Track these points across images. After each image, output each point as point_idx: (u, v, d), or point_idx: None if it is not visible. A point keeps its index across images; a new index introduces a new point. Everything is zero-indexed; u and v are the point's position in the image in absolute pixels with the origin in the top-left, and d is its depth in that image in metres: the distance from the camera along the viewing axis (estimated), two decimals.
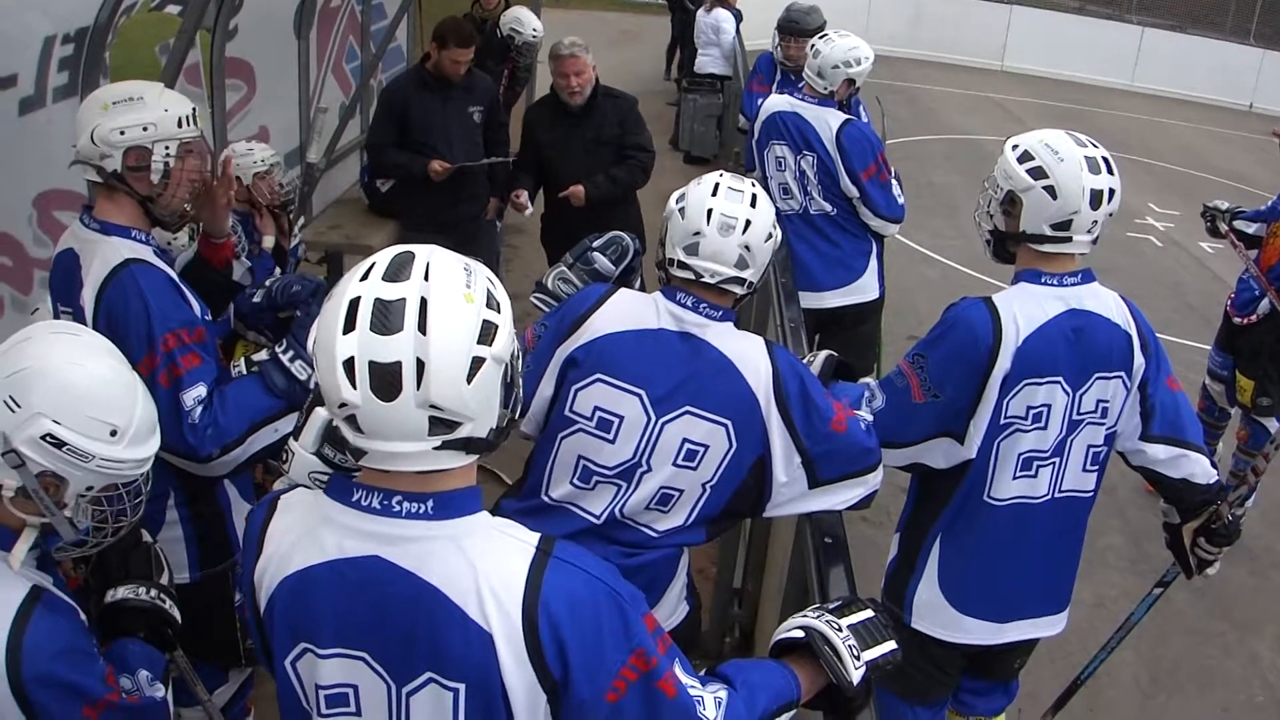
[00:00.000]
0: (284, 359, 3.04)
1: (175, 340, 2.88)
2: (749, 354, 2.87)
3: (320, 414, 2.15)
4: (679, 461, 2.84)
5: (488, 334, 1.73)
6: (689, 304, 2.85)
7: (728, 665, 2.13)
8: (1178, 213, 12.68)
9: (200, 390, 2.91)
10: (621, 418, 2.83)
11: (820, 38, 5.69)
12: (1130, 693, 4.95)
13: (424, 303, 1.69)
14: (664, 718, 1.88)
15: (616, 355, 2.85)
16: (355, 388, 1.68)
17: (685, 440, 2.82)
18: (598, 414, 2.85)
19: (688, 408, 2.82)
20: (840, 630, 2.18)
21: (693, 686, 1.93)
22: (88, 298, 2.88)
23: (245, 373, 3.07)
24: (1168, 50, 21.49)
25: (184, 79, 5.39)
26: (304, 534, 1.84)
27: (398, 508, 1.77)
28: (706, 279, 2.84)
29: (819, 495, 2.93)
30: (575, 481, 2.89)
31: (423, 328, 1.67)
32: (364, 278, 1.74)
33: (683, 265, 2.85)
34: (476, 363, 1.71)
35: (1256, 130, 16.12)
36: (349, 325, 1.69)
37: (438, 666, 1.78)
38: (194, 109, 3.03)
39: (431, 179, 6.13)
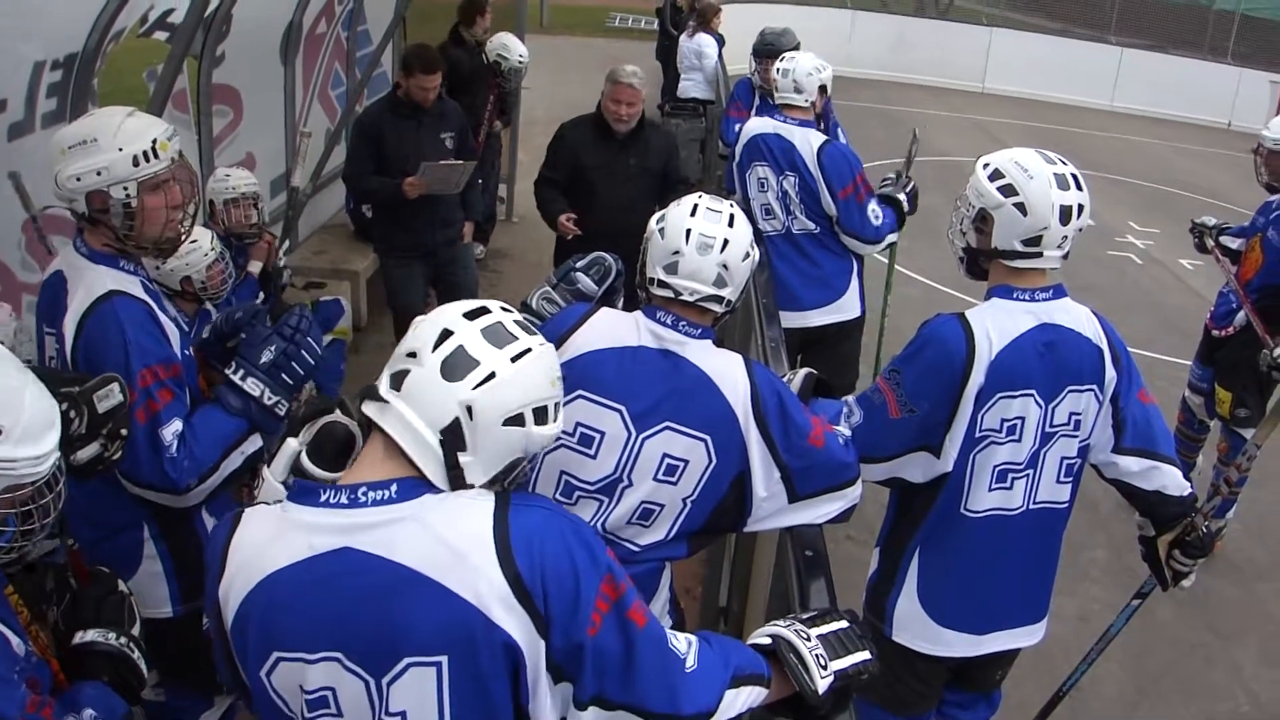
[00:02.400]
0: (235, 379, 3.07)
1: (152, 376, 2.90)
2: (728, 371, 2.91)
3: (290, 445, 2.23)
4: (659, 476, 2.88)
5: (542, 415, 1.94)
6: (668, 322, 2.90)
7: (700, 633, 2.18)
8: (1157, 231, 12.78)
9: (177, 425, 2.93)
10: (603, 433, 2.87)
11: (780, 60, 5.79)
12: (1114, 704, 4.99)
13: (534, 351, 1.94)
14: (640, 649, 1.94)
15: (598, 372, 2.89)
16: (434, 351, 1.86)
17: (665, 455, 2.87)
18: (579, 430, 2.89)
19: (667, 423, 2.86)
20: (809, 639, 2.22)
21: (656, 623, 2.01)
22: (69, 325, 2.88)
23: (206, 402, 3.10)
24: (1147, 70, 21.66)
25: (171, 105, 5.44)
26: (270, 541, 1.88)
27: (363, 498, 1.84)
28: (685, 297, 2.89)
29: (799, 510, 2.96)
30: (558, 497, 2.93)
31: (516, 360, 1.89)
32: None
33: (662, 284, 2.90)
34: (519, 418, 1.89)
35: (1235, 148, 16.23)
36: (474, 315, 1.92)
37: (416, 647, 1.82)
38: (155, 140, 2.96)
39: (407, 201, 6.16)
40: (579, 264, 3.40)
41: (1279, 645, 5.57)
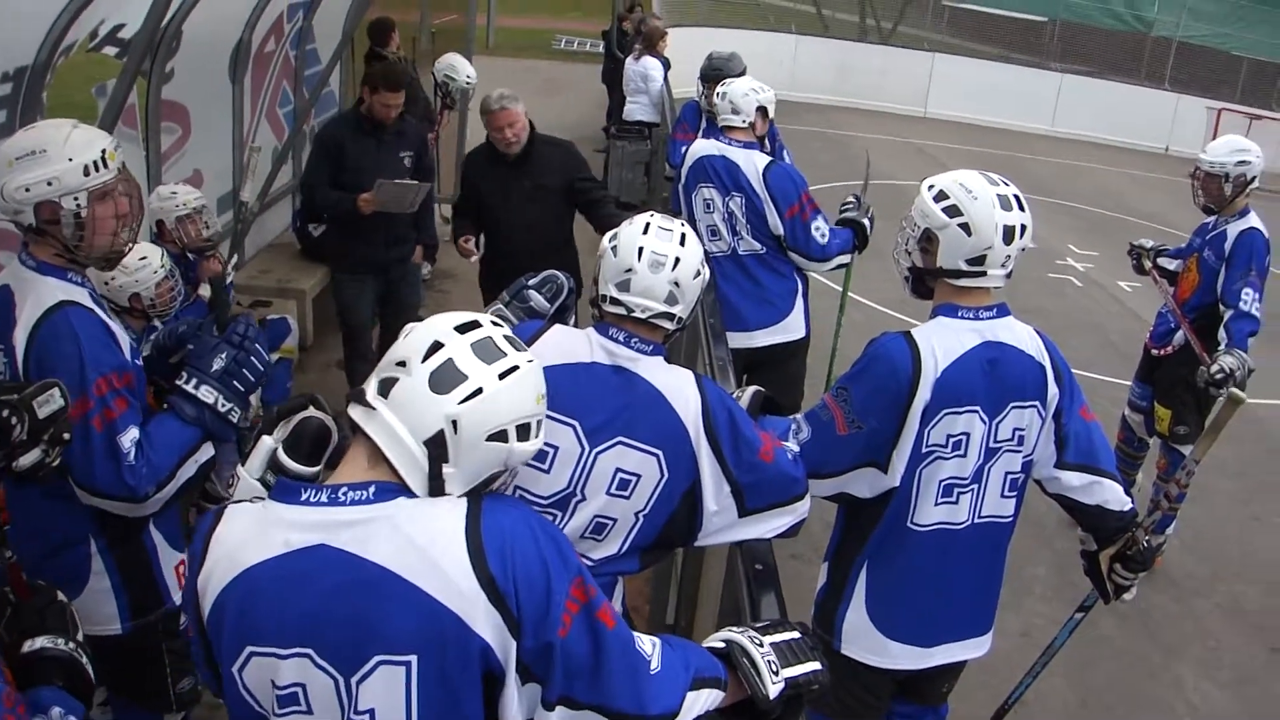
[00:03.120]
0: (189, 388, 3.06)
1: (107, 385, 2.88)
2: (679, 387, 2.95)
3: (266, 442, 2.26)
4: (612, 491, 2.90)
5: (524, 432, 1.99)
6: (621, 339, 2.93)
7: (661, 636, 2.21)
8: (1097, 253, 12.98)
9: (134, 432, 2.92)
10: (556, 448, 2.89)
11: (721, 84, 5.90)
12: (1059, 717, 5.06)
13: (521, 369, 1.99)
14: (608, 650, 1.97)
15: (551, 388, 2.89)
16: (423, 362, 1.89)
17: (618, 470, 2.89)
18: None
19: (620, 438, 2.89)
20: (761, 646, 2.26)
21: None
22: (19, 338, 2.85)
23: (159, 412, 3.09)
24: (1087, 96, 22.03)
25: (120, 121, 5.40)
26: (250, 537, 1.90)
27: (342, 498, 1.87)
28: (638, 314, 2.92)
29: (748, 524, 3.00)
30: None
31: (504, 377, 1.92)
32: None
33: (615, 301, 2.94)
34: (502, 435, 1.94)
35: (1173, 172, 16.51)
36: (466, 328, 1.96)
37: (386, 646, 1.83)
38: (104, 150, 2.96)
39: (361, 217, 6.18)
40: (531, 282, 3.43)
41: (1218, 658, 5.67)
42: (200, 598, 1.93)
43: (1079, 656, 5.22)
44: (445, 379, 1.89)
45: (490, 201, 6.10)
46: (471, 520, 1.88)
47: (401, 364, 1.92)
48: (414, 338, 1.95)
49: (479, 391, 1.90)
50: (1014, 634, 5.29)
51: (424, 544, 1.84)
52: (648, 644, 2.09)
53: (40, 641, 2.49)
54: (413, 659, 1.83)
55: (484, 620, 1.84)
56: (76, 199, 2.90)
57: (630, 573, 3.09)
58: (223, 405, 3.07)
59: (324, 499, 1.87)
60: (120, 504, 2.94)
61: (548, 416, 2.86)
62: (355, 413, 1.95)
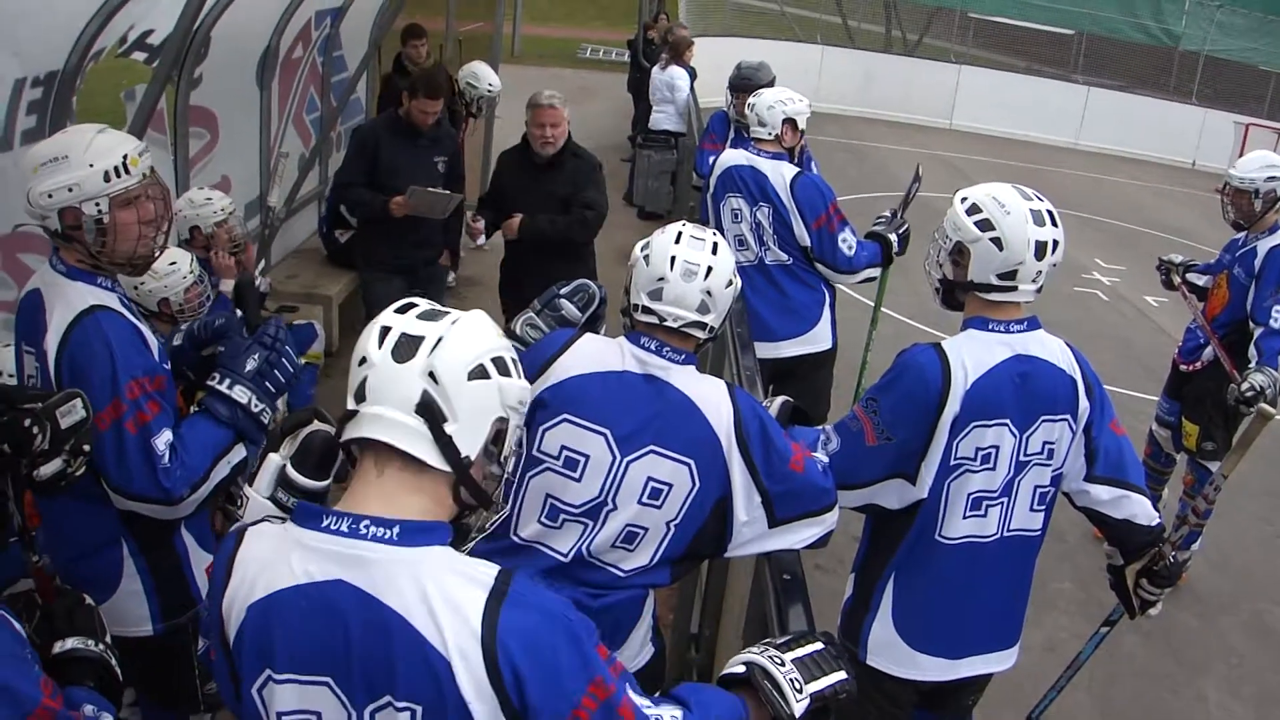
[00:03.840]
0: (223, 388, 3.07)
1: (139, 388, 2.89)
2: (711, 396, 2.95)
3: (273, 460, 2.25)
4: (644, 500, 2.91)
5: (502, 366, 1.96)
6: (652, 348, 2.95)
7: (681, 688, 2.18)
8: (1123, 267, 12.94)
9: (168, 434, 2.93)
10: (587, 456, 2.90)
11: (751, 95, 5.94)
12: None
13: (469, 314, 1.98)
14: None
15: (582, 396, 2.93)
16: (380, 347, 1.88)
17: (650, 479, 2.90)
18: (564, 453, 2.92)
19: (652, 447, 2.89)
20: (783, 664, 2.23)
21: (648, 707, 1.98)
22: (51, 343, 2.87)
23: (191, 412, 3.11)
24: (1113, 110, 22.01)
25: (149, 126, 5.44)
26: (272, 560, 1.88)
27: (364, 531, 1.83)
28: (670, 323, 2.94)
29: (778, 535, 3.00)
30: (543, 520, 2.95)
31: (455, 323, 1.93)
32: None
33: (647, 310, 2.95)
34: (481, 370, 1.91)
35: (1199, 187, 16.51)
36: (405, 309, 1.94)
37: (395, 689, 1.82)
38: (125, 155, 2.97)
39: (391, 217, 6.27)
40: (563, 290, 3.44)
41: (1241, 675, 5.63)
42: (225, 620, 1.92)
43: (1103, 672, 5.20)
44: (405, 348, 1.88)
45: (514, 203, 6.15)
46: (492, 605, 1.82)
47: (363, 361, 1.91)
48: (363, 338, 1.94)
49: (440, 339, 1.89)
50: (1038, 648, 5.27)
51: (442, 606, 1.81)
52: (667, 718, 2.04)
53: (71, 642, 2.51)
54: (418, 709, 1.82)
55: (478, 697, 1.80)
56: (98, 204, 2.91)
57: (661, 585, 3.09)
58: (256, 405, 3.09)
59: (344, 529, 1.85)
60: (155, 506, 2.96)
61: (579, 424, 2.90)
62: (349, 430, 1.92)
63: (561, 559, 2.95)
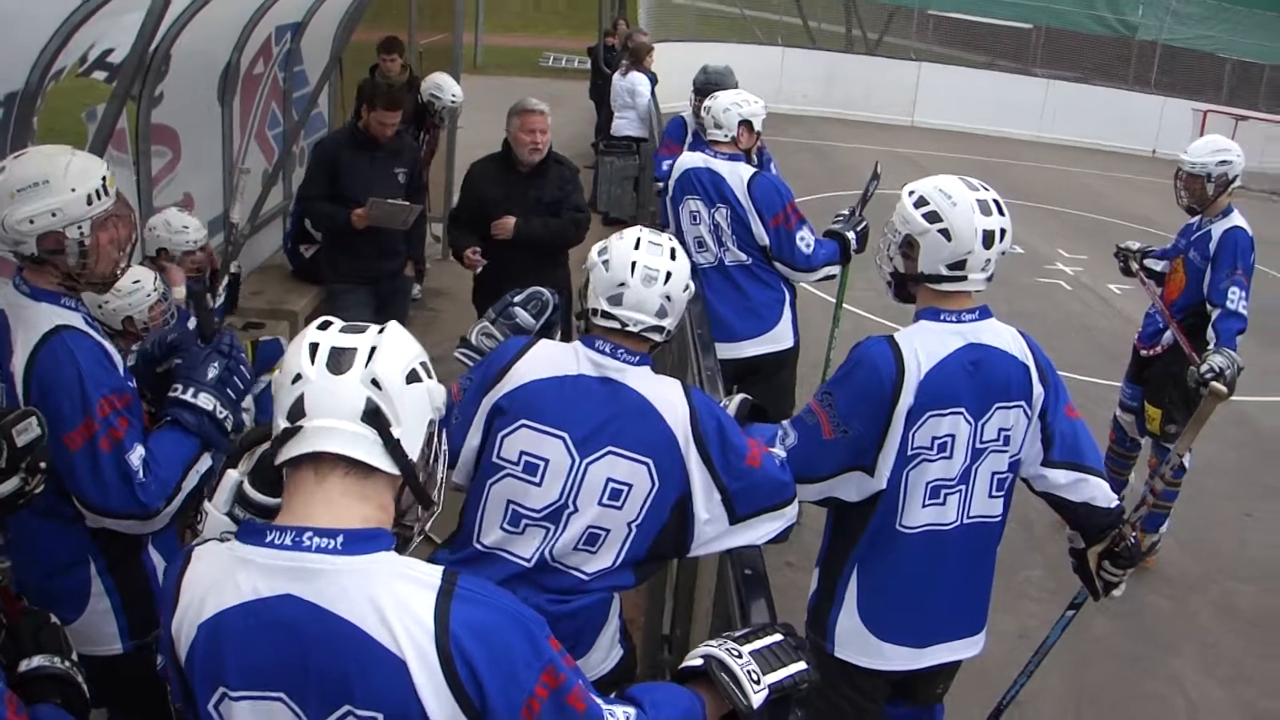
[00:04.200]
0: (187, 397, 3.09)
1: (110, 406, 2.90)
2: (667, 395, 3.00)
3: (231, 476, 2.27)
4: (604, 501, 2.94)
5: (428, 369, 1.98)
6: (607, 350, 2.99)
7: (635, 688, 2.21)
8: (1086, 257, 13.06)
9: (140, 449, 2.95)
10: (547, 460, 2.94)
11: (707, 99, 5.97)
12: (1057, 717, 5.07)
13: (391, 325, 1.99)
14: None
15: (540, 401, 2.97)
16: (313, 363, 1.87)
17: (609, 480, 2.93)
18: (524, 458, 2.95)
19: (610, 448, 2.93)
20: (740, 656, 2.25)
21: (600, 703, 2.01)
22: (18, 364, 2.87)
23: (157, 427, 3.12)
24: (1073, 101, 22.24)
25: (110, 145, 5.43)
26: (218, 579, 1.89)
27: (308, 543, 1.84)
28: (630, 327, 2.98)
29: (740, 531, 3.04)
30: (505, 526, 2.98)
31: (381, 332, 1.95)
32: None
33: (607, 315, 3.00)
34: (415, 375, 1.94)
35: (1160, 174, 16.41)
36: (324, 326, 1.95)
37: (353, 699, 1.83)
38: (104, 178, 2.99)
39: (353, 230, 6.31)
40: (516, 299, 3.49)
41: (1214, 655, 5.70)
42: (175, 640, 1.93)
43: (1075, 656, 5.24)
44: (339, 360, 1.89)
45: (496, 211, 6.14)
46: (442, 603, 1.84)
47: (297, 379, 1.90)
48: (289, 357, 1.93)
49: (373, 349, 1.91)
50: (1010, 635, 5.31)
51: (393, 610, 1.82)
52: (621, 716, 2.06)
53: (37, 660, 2.50)
54: (379, 716, 1.83)
55: (435, 698, 1.82)
56: (80, 228, 2.92)
57: (626, 587, 3.12)
58: (220, 412, 3.12)
59: (288, 542, 1.85)
60: (132, 522, 2.97)
61: (537, 429, 2.93)
62: (291, 446, 1.90)
63: (525, 565, 2.98)
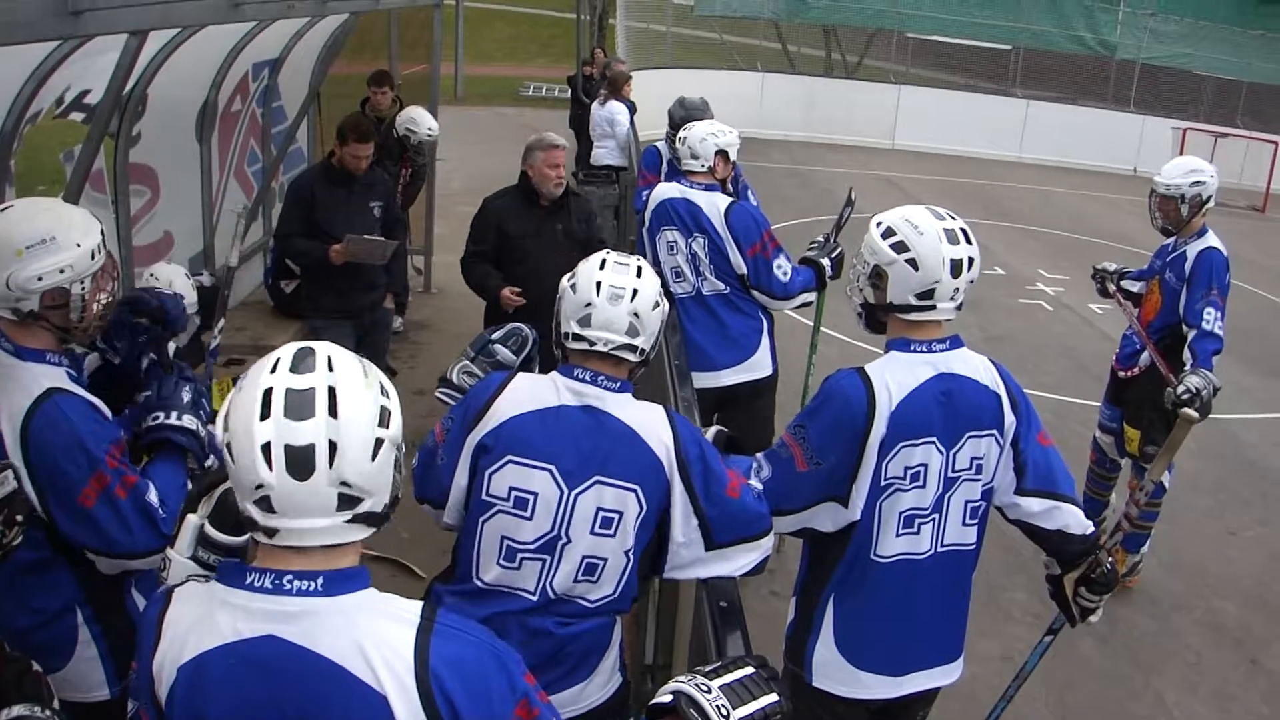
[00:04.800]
0: (174, 421, 3.12)
1: (114, 459, 2.90)
2: (650, 422, 3.02)
3: (191, 520, 2.29)
4: (596, 530, 2.96)
5: (385, 418, 1.92)
6: (586, 378, 3.00)
7: None
8: (1067, 277, 13.08)
9: (153, 487, 2.97)
10: (536, 494, 2.94)
11: (682, 129, 6.02)
12: None
13: (332, 390, 1.85)
14: None
15: (524, 435, 2.97)
16: (271, 469, 1.82)
17: (599, 509, 2.95)
18: (513, 494, 2.96)
19: (597, 478, 2.95)
20: (709, 691, 2.23)
21: None
22: (7, 429, 2.84)
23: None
24: (1053, 121, 22.38)
25: (89, 185, 5.45)
26: (199, 620, 1.91)
27: (288, 586, 1.86)
28: (600, 348, 3.00)
29: (716, 560, 3.05)
30: (501, 562, 2.99)
31: (334, 412, 1.84)
32: (273, 370, 1.88)
33: (577, 337, 3.01)
34: (378, 443, 1.89)
35: (1141, 193, 16.34)
36: (264, 413, 1.83)
37: None
38: (101, 230, 3.00)
39: (332, 265, 6.35)
40: (495, 336, 3.50)
41: (1199, 674, 5.71)
42: (156, 681, 1.94)
43: (1060, 678, 5.26)
44: (298, 463, 1.82)
45: (522, 245, 6.12)
46: (422, 638, 1.88)
47: (259, 486, 1.84)
48: (240, 447, 1.85)
49: (331, 444, 1.83)
50: (994, 659, 5.32)
51: (374, 646, 1.85)
52: None
53: (18, 710, 2.49)
54: None
55: None
56: (83, 283, 2.94)
57: (624, 611, 3.15)
58: (203, 432, 3.16)
59: (268, 585, 1.86)
60: (156, 558, 2.96)
61: (523, 464, 2.93)
62: (270, 540, 1.89)
63: (531, 599, 3.00)
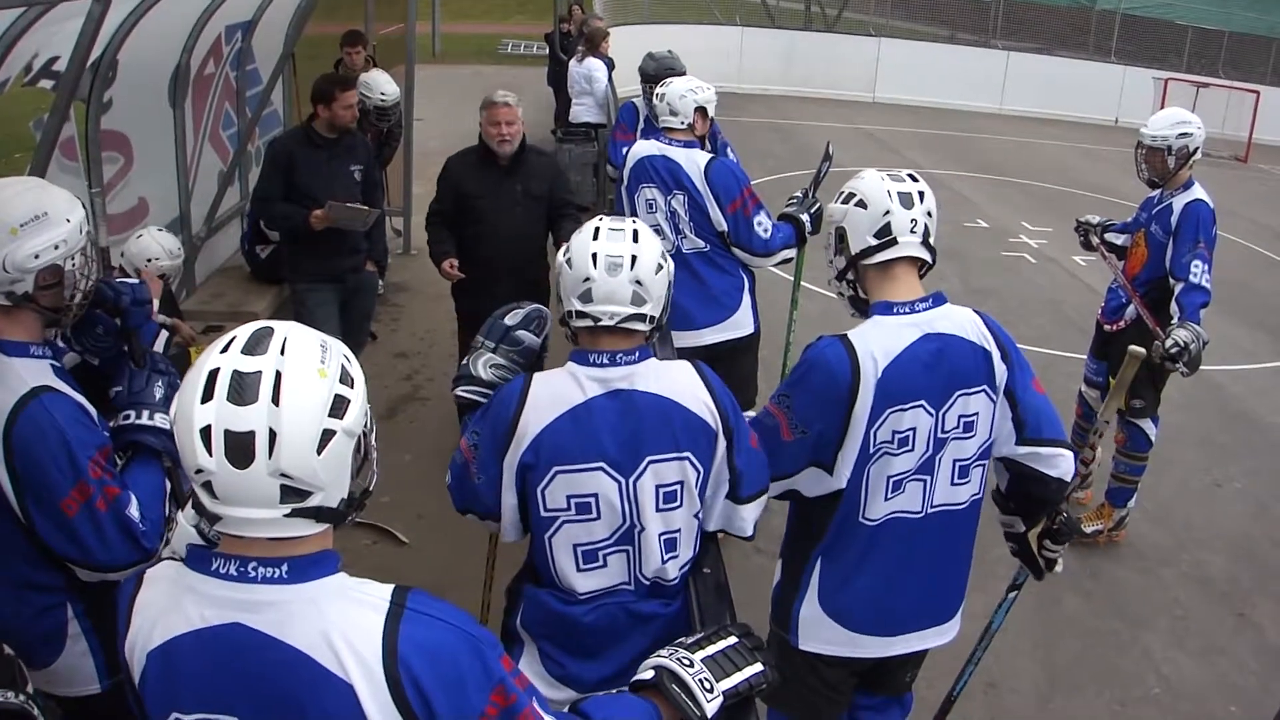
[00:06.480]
0: (145, 420, 3.06)
1: (98, 467, 2.83)
2: (685, 384, 2.96)
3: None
4: (662, 507, 2.92)
5: (339, 408, 1.81)
6: (604, 361, 2.91)
7: (588, 702, 2.18)
8: (1050, 229, 13.06)
9: (135, 501, 2.90)
10: (595, 494, 2.89)
11: (659, 86, 5.95)
12: (1028, 697, 5.06)
13: (279, 375, 1.76)
14: None
15: (562, 442, 2.88)
16: (211, 454, 1.74)
17: (659, 487, 2.91)
18: (572, 502, 2.90)
19: (647, 459, 2.89)
20: (691, 665, 2.23)
21: None
22: None
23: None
24: (1034, 72, 22.31)
25: (60, 153, 5.38)
26: (168, 605, 1.87)
27: (253, 573, 1.81)
28: (606, 322, 2.89)
29: (731, 513, 3.08)
30: (583, 568, 2.96)
31: (276, 399, 1.75)
32: (224, 350, 1.81)
33: (580, 314, 2.91)
34: (327, 435, 1.79)
35: (1122, 144, 16.53)
36: (207, 395, 1.75)
37: None
38: (84, 204, 2.96)
39: (313, 230, 6.26)
40: (514, 321, 3.30)
41: (1186, 626, 5.72)
42: (130, 662, 1.92)
43: (1045, 635, 5.26)
44: (237, 451, 1.74)
45: (477, 205, 6.12)
46: (391, 623, 1.83)
47: (199, 471, 1.77)
48: (181, 437, 1.78)
49: (271, 432, 1.75)
50: (981, 616, 5.26)
51: (341, 634, 1.80)
52: None
53: None
54: None
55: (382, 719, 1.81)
56: (74, 259, 2.89)
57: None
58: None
59: (233, 572, 1.82)
60: (136, 568, 2.92)
61: (572, 470, 2.87)
62: (218, 525, 1.83)
63: (629, 588, 3.00)
